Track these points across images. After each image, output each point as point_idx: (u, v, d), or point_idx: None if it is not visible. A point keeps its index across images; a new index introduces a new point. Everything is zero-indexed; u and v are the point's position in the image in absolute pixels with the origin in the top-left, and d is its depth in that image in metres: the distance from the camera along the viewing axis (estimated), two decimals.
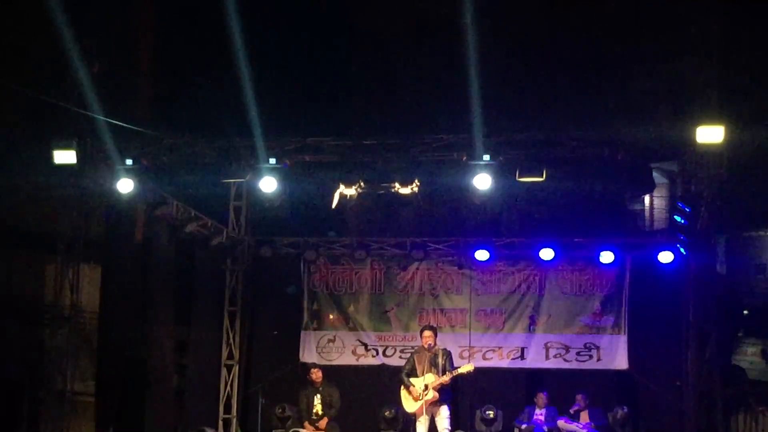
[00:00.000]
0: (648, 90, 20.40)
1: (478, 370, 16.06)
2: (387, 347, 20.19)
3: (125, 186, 16.98)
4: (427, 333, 15.87)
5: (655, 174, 21.07)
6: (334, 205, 18.22)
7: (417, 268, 20.29)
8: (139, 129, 17.13)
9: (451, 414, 15.74)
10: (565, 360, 19.77)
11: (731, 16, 20.10)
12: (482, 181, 16.50)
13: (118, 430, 18.89)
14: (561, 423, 18.58)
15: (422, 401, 15.53)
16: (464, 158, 16.54)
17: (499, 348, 19.97)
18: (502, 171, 16.44)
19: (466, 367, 15.69)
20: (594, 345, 19.65)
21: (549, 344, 19.83)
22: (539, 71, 20.68)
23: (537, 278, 19.98)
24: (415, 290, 20.33)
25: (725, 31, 20.08)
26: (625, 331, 19.56)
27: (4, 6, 18.66)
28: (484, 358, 19.83)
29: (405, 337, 20.11)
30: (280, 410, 18.83)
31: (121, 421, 19.06)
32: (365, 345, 20.34)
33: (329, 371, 18.78)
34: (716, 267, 19.25)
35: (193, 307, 20.90)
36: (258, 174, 16.91)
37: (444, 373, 15.47)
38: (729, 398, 18.65)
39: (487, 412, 19.04)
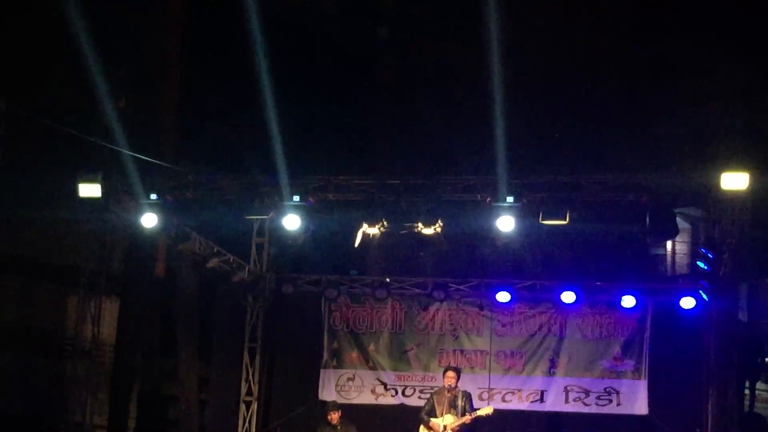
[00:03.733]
0: (673, 135, 20.40)
1: (497, 413, 16.02)
2: (406, 387, 20.12)
3: (149, 220, 17.00)
4: (450, 374, 15.96)
5: (677, 219, 21.02)
6: (356, 244, 18.18)
7: (438, 309, 20.21)
8: (163, 164, 17.21)
9: None
10: (584, 404, 19.64)
11: (756, 62, 20.11)
12: (505, 223, 16.43)
13: None
14: None
15: None
16: (488, 200, 16.51)
17: (519, 390, 19.87)
18: (526, 213, 16.42)
19: (485, 410, 15.69)
20: (614, 389, 19.54)
21: (569, 388, 19.72)
22: (564, 115, 20.73)
23: (558, 321, 19.89)
24: (436, 330, 20.27)
25: (750, 77, 20.10)
26: (645, 376, 19.45)
27: (31, 40, 18.83)
28: (504, 401, 19.73)
29: (424, 377, 20.04)
30: None
31: None
32: (384, 384, 20.26)
33: (348, 410, 18.71)
34: (738, 314, 19.12)
35: (213, 343, 20.91)
36: (281, 211, 16.92)
37: (464, 414, 15.47)
38: None
39: None
